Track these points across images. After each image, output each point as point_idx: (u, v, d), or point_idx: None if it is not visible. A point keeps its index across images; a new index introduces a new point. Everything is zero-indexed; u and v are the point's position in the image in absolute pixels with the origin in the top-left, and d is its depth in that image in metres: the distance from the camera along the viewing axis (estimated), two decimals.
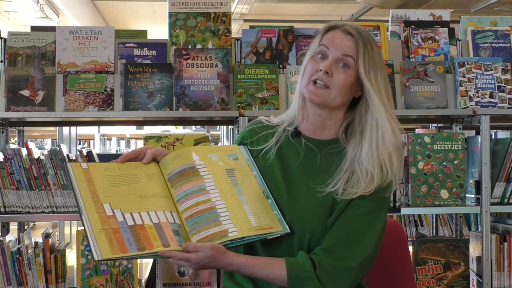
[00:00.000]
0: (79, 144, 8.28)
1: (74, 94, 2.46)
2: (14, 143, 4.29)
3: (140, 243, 1.29)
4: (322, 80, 1.43)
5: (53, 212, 2.40)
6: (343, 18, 8.69)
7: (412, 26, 2.78)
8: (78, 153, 2.44)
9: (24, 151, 2.40)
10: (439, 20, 2.91)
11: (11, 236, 2.49)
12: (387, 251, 1.67)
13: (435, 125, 3.28)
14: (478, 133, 2.74)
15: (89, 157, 2.42)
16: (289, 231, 1.40)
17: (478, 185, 2.62)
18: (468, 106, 2.63)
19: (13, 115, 2.45)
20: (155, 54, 2.58)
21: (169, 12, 2.63)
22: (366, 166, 1.42)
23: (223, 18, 2.64)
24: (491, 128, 2.87)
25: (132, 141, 10.75)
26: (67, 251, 2.46)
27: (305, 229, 1.42)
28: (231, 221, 1.37)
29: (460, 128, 2.84)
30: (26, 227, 2.74)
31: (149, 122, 3.08)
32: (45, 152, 2.42)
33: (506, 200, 2.63)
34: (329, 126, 1.51)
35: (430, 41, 2.75)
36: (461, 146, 2.57)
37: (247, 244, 1.41)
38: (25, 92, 2.46)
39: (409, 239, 2.82)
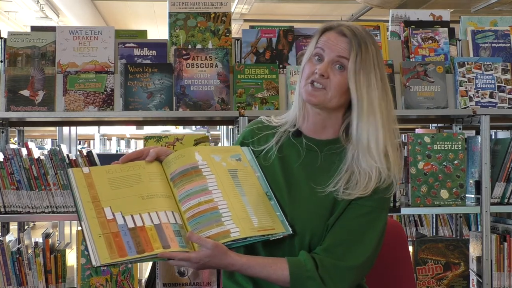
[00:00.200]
0: (79, 144, 8.28)
1: (74, 94, 2.46)
2: (14, 143, 4.29)
3: (139, 245, 1.29)
4: (318, 82, 1.44)
5: (53, 212, 2.40)
6: (343, 18, 8.69)
7: (412, 26, 2.78)
8: (78, 153, 2.44)
9: (24, 151, 2.40)
10: (439, 20, 2.91)
11: (11, 236, 2.49)
12: (387, 251, 1.67)
13: (435, 125, 3.28)
14: (478, 133, 2.74)
15: (89, 157, 2.41)
16: (291, 232, 1.40)
17: (478, 185, 2.62)
18: (468, 106, 2.63)
19: (13, 115, 2.45)
20: (155, 54, 2.58)
21: (169, 12, 2.63)
22: (364, 167, 1.42)
23: (223, 18, 2.64)
24: (491, 128, 2.87)
25: (132, 141, 10.75)
26: (67, 251, 2.46)
27: (305, 229, 1.43)
28: (233, 221, 1.37)
29: (460, 128, 2.84)
30: (26, 227, 2.74)
31: (149, 122, 3.08)
32: (45, 152, 2.42)
33: (506, 200, 2.63)
34: (329, 126, 1.51)
35: (430, 41, 2.75)
36: (461, 146, 2.57)
37: (248, 244, 1.41)
38: (25, 92, 2.46)
39: (409, 239, 2.82)
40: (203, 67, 2.52)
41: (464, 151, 2.58)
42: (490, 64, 2.68)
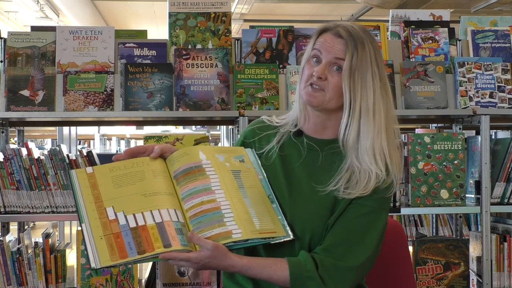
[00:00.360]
0: (79, 144, 8.27)
1: (74, 94, 2.46)
2: (14, 143, 4.29)
3: (141, 246, 1.29)
4: (317, 84, 1.44)
5: (53, 212, 2.40)
6: (343, 18, 8.69)
7: (412, 26, 2.78)
8: (78, 153, 2.44)
9: (24, 151, 2.40)
10: (439, 20, 2.91)
11: (11, 236, 2.49)
12: (387, 251, 1.67)
13: (435, 125, 3.28)
14: (478, 133, 2.74)
15: (89, 157, 2.41)
16: (292, 237, 1.40)
17: (478, 185, 2.62)
18: (468, 106, 2.63)
19: (13, 115, 2.45)
20: (155, 54, 2.58)
21: (169, 12, 2.63)
22: (364, 166, 1.42)
23: (223, 18, 2.64)
24: (491, 128, 2.87)
25: (132, 141, 10.74)
26: (67, 251, 2.46)
27: (306, 228, 1.43)
28: (235, 222, 1.36)
29: (460, 128, 2.84)
30: (26, 227, 2.74)
31: (149, 122, 3.08)
32: (45, 152, 2.42)
33: (506, 200, 2.63)
34: (329, 126, 1.51)
35: (430, 41, 2.75)
36: (461, 146, 2.57)
37: None
38: (25, 92, 2.46)
39: (409, 239, 2.82)
40: (203, 67, 2.52)
41: (464, 151, 2.58)
42: (490, 64, 2.68)
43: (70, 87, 2.47)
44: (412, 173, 2.54)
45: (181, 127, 7.30)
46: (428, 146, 2.55)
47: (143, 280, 2.54)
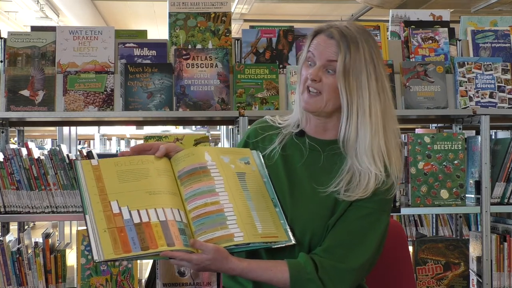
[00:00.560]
0: (79, 144, 8.27)
1: (74, 94, 2.46)
2: (14, 143, 4.29)
3: (144, 242, 1.29)
4: (313, 87, 1.44)
5: (53, 212, 2.40)
6: (343, 18, 8.68)
7: (412, 26, 2.78)
8: (78, 153, 2.44)
9: (24, 151, 2.40)
10: (439, 20, 2.91)
11: (11, 236, 2.49)
12: (387, 251, 1.67)
13: (435, 125, 3.28)
14: (478, 133, 2.74)
15: (89, 157, 2.41)
16: (293, 242, 1.40)
17: (478, 185, 2.62)
18: (468, 106, 2.63)
19: (13, 115, 2.45)
20: (155, 54, 2.58)
21: (169, 12, 2.63)
22: (363, 167, 1.41)
23: (223, 18, 2.64)
24: (491, 128, 2.87)
25: (132, 141, 10.74)
26: (67, 251, 2.46)
27: (306, 229, 1.43)
28: (237, 225, 1.36)
29: (460, 128, 2.84)
30: (26, 227, 2.74)
31: (149, 122, 3.08)
32: (45, 152, 2.42)
33: (506, 200, 2.63)
34: (330, 127, 1.51)
35: (430, 41, 2.75)
36: (461, 146, 2.57)
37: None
38: (25, 92, 2.46)
39: (409, 239, 2.82)
40: (203, 67, 2.52)
41: (464, 151, 2.58)
42: (490, 64, 2.68)
43: (70, 87, 2.47)
44: (412, 173, 2.54)
45: (181, 127, 7.29)
46: (428, 146, 2.55)
47: (143, 280, 2.54)
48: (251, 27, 2.72)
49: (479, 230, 2.78)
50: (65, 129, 4.48)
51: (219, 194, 1.41)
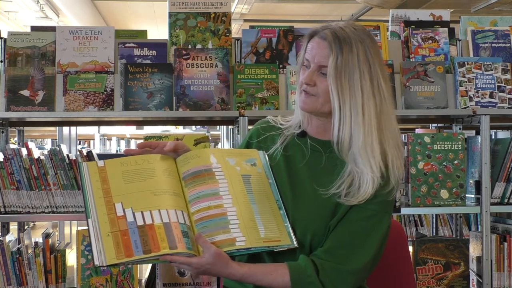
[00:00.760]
0: (79, 144, 8.27)
1: (74, 94, 2.46)
2: (14, 143, 4.29)
3: (147, 245, 1.28)
4: (308, 91, 1.45)
5: (53, 212, 2.40)
6: (343, 18, 8.68)
7: (412, 26, 2.78)
8: (78, 153, 2.44)
9: (24, 151, 2.40)
10: (439, 20, 2.91)
11: (11, 236, 2.49)
12: (387, 251, 1.67)
13: (435, 125, 3.28)
14: (478, 133, 2.74)
15: (89, 157, 2.41)
16: (296, 245, 1.39)
17: (478, 185, 2.62)
18: (468, 106, 2.63)
19: (13, 115, 2.45)
20: (155, 54, 2.58)
21: (169, 12, 2.63)
22: (361, 169, 1.41)
23: (223, 18, 2.64)
24: (491, 128, 2.87)
25: (132, 141, 10.74)
26: (67, 251, 2.46)
27: (307, 229, 1.42)
28: (240, 229, 1.36)
29: (460, 128, 2.84)
30: (26, 227, 2.74)
31: (149, 122, 3.08)
32: (45, 152, 2.42)
33: (506, 200, 2.63)
34: (330, 128, 1.50)
35: (430, 41, 2.75)
36: (461, 146, 2.57)
37: None
38: (25, 92, 2.46)
39: (409, 239, 2.82)
40: (203, 67, 2.52)
41: (464, 151, 2.58)
42: (490, 64, 2.68)
43: (70, 87, 2.47)
44: (412, 173, 2.54)
45: (181, 127, 7.29)
46: (428, 146, 2.55)
47: (143, 280, 2.54)
48: (251, 27, 2.72)
49: (479, 230, 2.78)
50: (65, 129, 4.48)
51: (223, 198, 1.41)
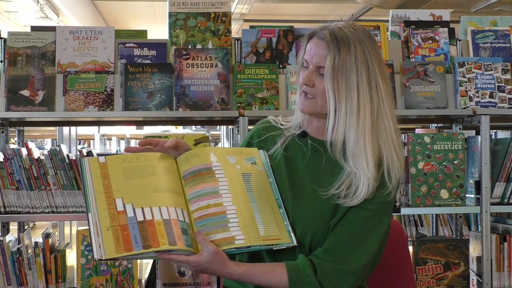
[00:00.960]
0: (79, 144, 8.27)
1: (74, 94, 2.46)
2: (14, 143, 4.29)
3: (146, 240, 1.29)
4: (307, 92, 1.45)
5: (53, 212, 2.40)
6: (343, 18, 8.68)
7: (412, 26, 2.78)
8: (78, 153, 2.44)
9: (24, 151, 2.40)
10: (439, 20, 2.91)
11: (11, 236, 2.49)
12: (387, 251, 1.67)
13: (435, 125, 3.28)
14: (478, 133, 2.74)
15: (89, 156, 2.41)
16: (295, 244, 1.39)
17: (478, 185, 2.62)
18: (468, 106, 2.63)
19: (13, 115, 2.45)
20: (155, 54, 2.58)
21: (169, 12, 2.63)
22: (358, 170, 1.41)
23: (223, 18, 2.64)
24: (491, 128, 2.88)
25: (132, 141, 10.74)
26: (67, 251, 2.46)
27: (307, 229, 1.42)
28: (239, 228, 1.36)
29: (460, 128, 2.84)
30: (26, 227, 2.74)
31: (149, 122, 3.08)
32: (45, 152, 2.43)
33: (506, 200, 2.63)
34: None
35: (430, 41, 2.75)
36: (461, 146, 2.57)
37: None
38: (25, 92, 2.46)
39: (409, 239, 2.82)
40: (203, 67, 2.52)
41: (464, 151, 2.58)
42: (490, 64, 2.68)
43: (70, 87, 2.47)
44: (412, 173, 2.54)
45: (181, 127, 7.29)
46: (428, 146, 2.55)
47: (143, 280, 2.54)
48: (251, 27, 2.72)
49: (479, 230, 2.78)
50: (65, 129, 4.48)
51: (223, 196, 1.41)
